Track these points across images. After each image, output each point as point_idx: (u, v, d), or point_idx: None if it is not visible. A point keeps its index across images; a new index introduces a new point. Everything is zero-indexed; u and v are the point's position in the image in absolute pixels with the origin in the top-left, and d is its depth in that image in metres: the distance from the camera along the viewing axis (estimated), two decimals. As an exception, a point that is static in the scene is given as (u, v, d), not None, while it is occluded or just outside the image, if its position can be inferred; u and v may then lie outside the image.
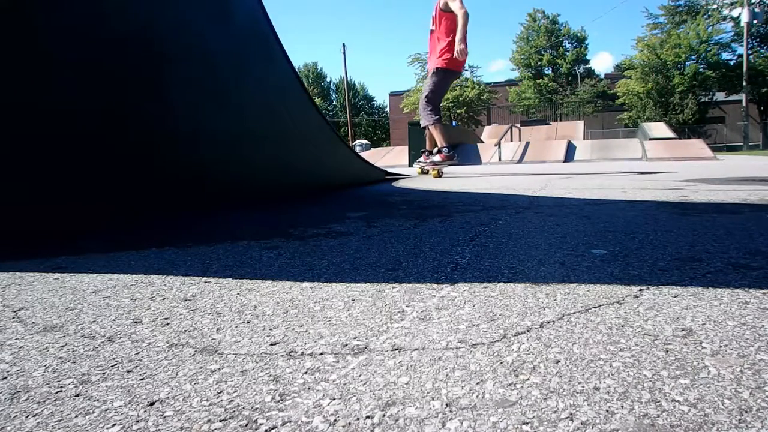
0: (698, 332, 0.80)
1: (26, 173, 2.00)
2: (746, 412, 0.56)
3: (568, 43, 37.46)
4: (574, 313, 0.92)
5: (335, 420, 0.58)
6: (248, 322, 0.93)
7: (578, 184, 3.98)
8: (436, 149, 5.34)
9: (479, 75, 43.79)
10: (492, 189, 3.90)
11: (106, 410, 0.62)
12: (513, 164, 10.79)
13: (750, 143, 26.17)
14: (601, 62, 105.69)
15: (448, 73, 5.20)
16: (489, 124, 31.18)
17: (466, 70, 40.25)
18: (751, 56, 28.10)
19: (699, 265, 1.22)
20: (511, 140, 15.00)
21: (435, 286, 1.13)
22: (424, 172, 5.94)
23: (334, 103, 51.33)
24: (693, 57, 29.95)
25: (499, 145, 12.52)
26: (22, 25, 1.90)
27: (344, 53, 36.54)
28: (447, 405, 0.60)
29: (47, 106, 2.03)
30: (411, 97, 38.94)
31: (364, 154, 10.76)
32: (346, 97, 37.57)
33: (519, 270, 1.25)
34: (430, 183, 4.97)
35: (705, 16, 29.70)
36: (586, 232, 1.72)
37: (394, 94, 45.86)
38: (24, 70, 1.94)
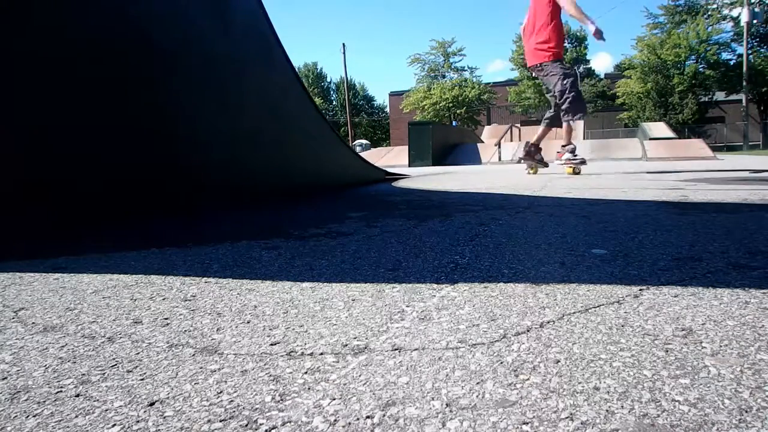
0: (698, 332, 0.80)
1: (25, 173, 2.00)
2: (746, 412, 0.56)
3: (568, 43, 37.43)
4: (574, 312, 0.92)
5: (335, 420, 0.58)
6: (248, 322, 0.93)
7: (578, 183, 3.98)
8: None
9: (479, 75, 43.66)
10: (492, 189, 3.90)
11: (106, 410, 0.62)
12: (513, 164, 10.79)
13: (750, 143, 26.14)
14: (601, 62, 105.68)
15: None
16: (489, 124, 31.18)
17: (465, 70, 40.28)
18: (751, 56, 28.08)
19: (699, 265, 1.22)
20: (511, 140, 14.99)
21: (435, 286, 1.13)
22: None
23: (334, 103, 51.31)
24: (693, 57, 29.94)
25: (499, 145, 12.52)
26: (17, 20, 1.90)
27: (344, 53, 36.54)
28: (447, 405, 0.60)
29: (45, 104, 2.03)
30: (410, 98, 38.90)
31: (364, 154, 10.78)
32: (346, 97, 37.55)
33: (519, 270, 1.25)
34: (430, 183, 4.97)
35: (705, 16, 29.68)
36: (586, 232, 1.72)
37: (394, 94, 45.82)
38: (20, 66, 1.94)
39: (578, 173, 5.05)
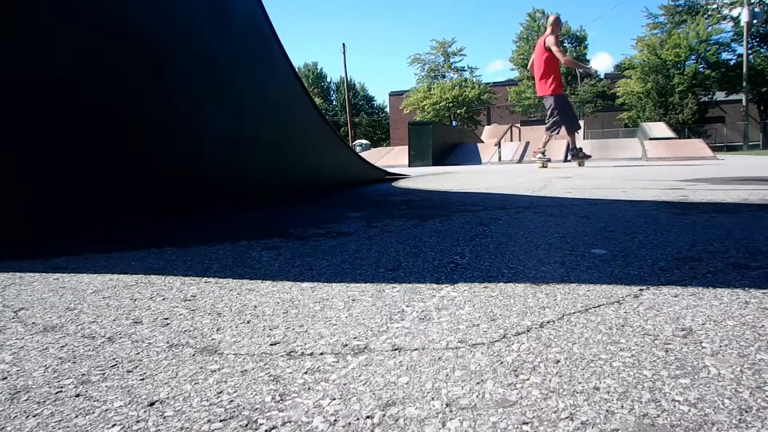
0: (698, 332, 0.80)
1: (25, 173, 1.99)
2: (746, 412, 0.56)
3: (568, 42, 37.43)
4: (574, 312, 0.92)
5: (335, 420, 0.58)
6: (248, 322, 0.94)
7: (578, 184, 3.98)
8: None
9: (479, 75, 43.66)
10: (492, 189, 3.90)
11: (106, 410, 0.62)
12: (513, 164, 10.79)
13: (750, 143, 26.14)
14: (601, 62, 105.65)
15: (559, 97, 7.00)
16: (489, 124, 31.14)
17: (465, 70, 40.29)
18: (751, 56, 28.07)
19: (699, 265, 1.22)
20: (511, 140, 14.98)
21: (435, 286, 1.13)
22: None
23: (334, 103, 51.30)
24: (693, 57, 29.93)
25: (499, 145, 12.50)
26: (17, 19, 1.90)
27: (344, 53, 36.54)
28: (447, 405, 0.60)
29: (45, 104, 2.03)
30: (410, 98, 38.89)
31: (364, 154, 10.79)
32: (346, 97, 37.54)
33: (519, 270, 1.25)
34: (430, 183, 4.97)
35: (705, 16, 29.67)
36: (586, 232, 1.72)
37: (394, 94, 45.82)
38: (20, 66, 1.94)
39: (546, 167, 7.16)
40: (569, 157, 7.92)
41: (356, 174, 4.98)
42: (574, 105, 36.07)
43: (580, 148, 7.32)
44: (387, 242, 1.69)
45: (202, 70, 2.88)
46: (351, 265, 1.38)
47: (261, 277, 1.28)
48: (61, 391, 0.68)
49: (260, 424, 0.57)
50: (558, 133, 7.10)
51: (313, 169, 4.14)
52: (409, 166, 11.29)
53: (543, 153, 7.19)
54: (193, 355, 0.79)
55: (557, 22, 6.84)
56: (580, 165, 7.34)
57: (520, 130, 16.72)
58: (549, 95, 6.84)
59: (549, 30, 6.79)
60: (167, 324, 0.94)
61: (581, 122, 18.79)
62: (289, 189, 3.69)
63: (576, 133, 7.22)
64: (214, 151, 2.99)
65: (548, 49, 6.69)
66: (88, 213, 2.22)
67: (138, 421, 0.59)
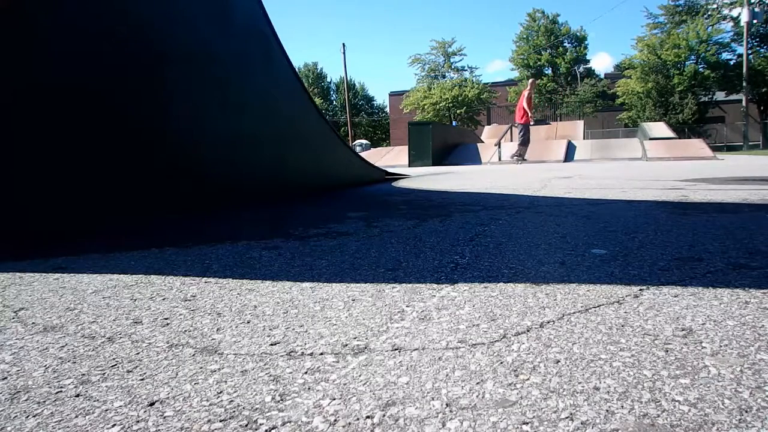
0: (698, 332, 0.80)
1: (26, 173, 1.99)
2: (746, 411, 0.56)
3: (568, 42, 37.43)
4: (574, 312, 0.92)
5: (335, 420, 0.58)
6: (248, 322, 0.94)
7: (578, 184, 3.98)
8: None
9: (478, 75, 43.64)
10: (492, 189, 3.90)
11: (106, 410, 0.62)
12: (513, 164, 10.80)
13: (750, 143, 26.13)
14: (600, 62, 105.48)
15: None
16: (489, 123, 31.12)
17: (465, 70, 40.34)
18: (750, 56, 28.06)
19: (699, 265, 1.22)
20: (511, 140, 14.96)
21: (435, 286, 1.13)
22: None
23: (334, 103, 51.30)
24: (693, 57, 29.92)
25: (499, 145, 12.51)
26: (22, 22, 1.90)
27: (344, 53, 36.51)
28: (447, 405, 0.60)
29: (46, 104, 2.03)
30: (410, 98, 38.87)
31: (364, 154, 10.81)
32: (346, 97, 37.52)
33: (519, 270, 1.25)
34: (430, 183, 4.97)
35: (705, 16, 29.66)
36: (586, 232, 1.72)
37: (394, 94, 45.79)
38: (22, 67, 1.94)
39: (521, 164, 10.36)
40: (513, 157, 11.38)
41: (356, 174, 4.98)
42: (575, 104, 36.31)
43: (523, 155, 11.03)
44: (387, 242, 1.69)
45: (203, 72, 2.88)
46: (351, 265, 1.38)
47: (261, 277, 1.28)
48: (61, 391, 0.68)
49: (260, 424, 0.57)
50: (527, 146, 10.98)
51: (313, 169, 4.15)
52: (409, 166, 11.29)
53: (520, 155, 10.88)
54: (193, 355, 0.79)
55: (533, 83, 11.05)
56: (519, 162, 10.72)
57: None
58: (522, 123, 10.89)
59: (528, 87, 10.91)
60: (167, 324, 0.94)
61: (581, 122, 19.10)
62: (289, 189, 3.69)
63: (526, 147, 11.03)
64: (214, 152, 2.99)
65: (526, 99, 10.81)
66: (89, 214, 2.22)
67: (138, 421, 0.59)
